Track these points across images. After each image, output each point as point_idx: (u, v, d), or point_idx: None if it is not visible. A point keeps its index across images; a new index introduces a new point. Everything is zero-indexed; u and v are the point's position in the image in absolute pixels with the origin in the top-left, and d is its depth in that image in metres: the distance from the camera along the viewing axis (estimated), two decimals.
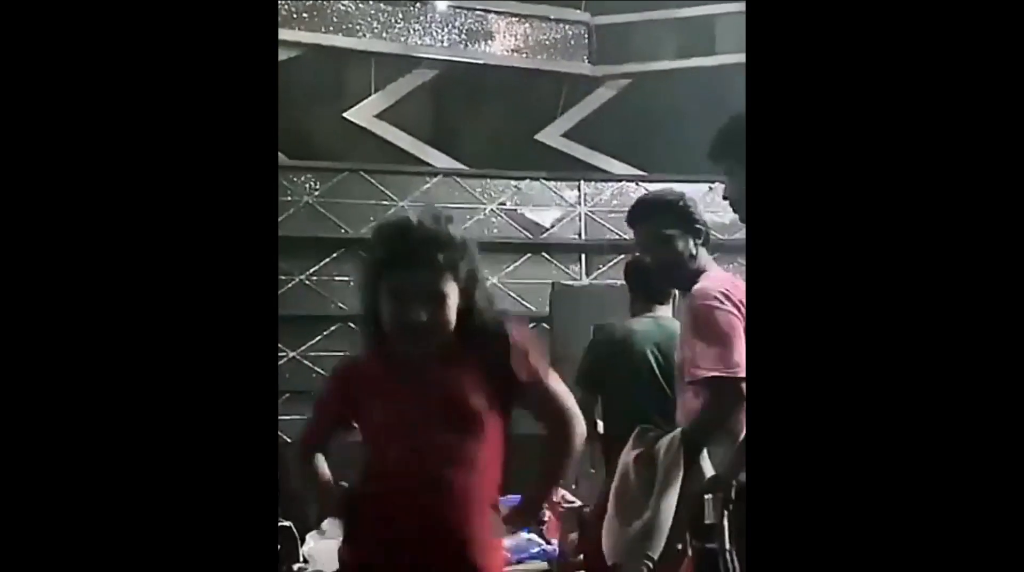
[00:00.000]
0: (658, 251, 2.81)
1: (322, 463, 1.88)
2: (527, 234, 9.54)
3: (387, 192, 9.12)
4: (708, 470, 2.46)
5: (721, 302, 2.53)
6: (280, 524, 4.17)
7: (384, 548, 1.71)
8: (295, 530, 4.63)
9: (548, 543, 6.09)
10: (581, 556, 4.43)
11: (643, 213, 2.88)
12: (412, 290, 1.66)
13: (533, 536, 6.30)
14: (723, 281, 2.63)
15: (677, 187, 2.98)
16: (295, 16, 9.78)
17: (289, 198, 8.77)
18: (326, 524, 5.20)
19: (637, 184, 9.70)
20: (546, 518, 7.02)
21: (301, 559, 4.96)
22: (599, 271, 9.50)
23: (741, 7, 10.68)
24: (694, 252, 2.78)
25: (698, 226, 2.80)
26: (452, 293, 1.68)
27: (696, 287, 2.64)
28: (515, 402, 1.79)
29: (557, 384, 1.80)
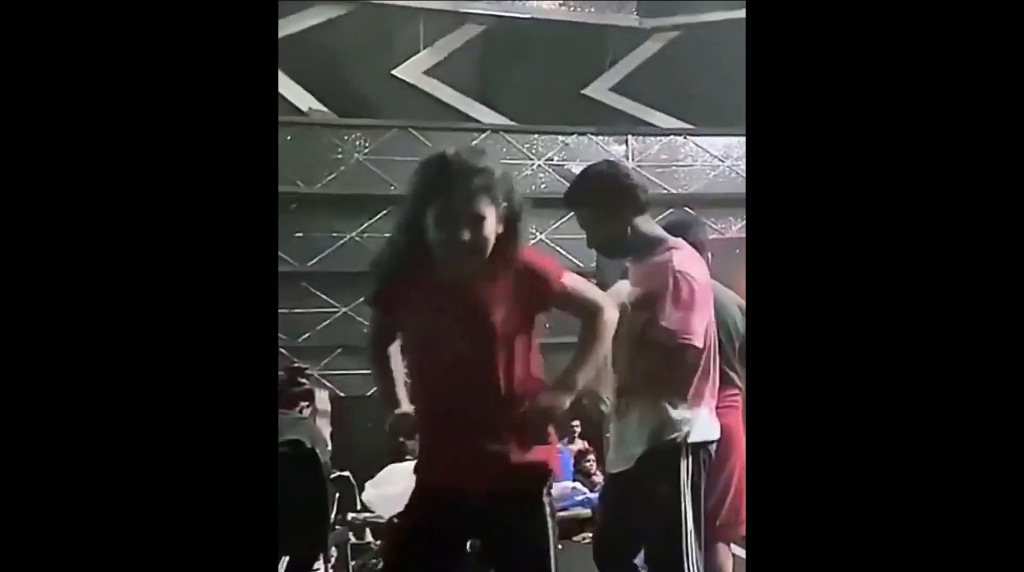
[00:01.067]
0: (600, 231, 2.75)
1: (396, 356, 2.14)
2: None
3: (435, 148, 9.15)
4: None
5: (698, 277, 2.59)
6: (339, 474, 4.30)
7: (438, 425, 1.94)
8: (353, 479, 4.76)
9: (592, 491, 6.20)
10: None
11: (580, 196, 2.79)
12: (455, 213, 1.86)
13: (577, 485, 6.40)
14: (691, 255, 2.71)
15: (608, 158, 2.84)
16: None
17: (339, 156, 8.86)
18: (383, 474, 5.25)
19: (685, 137, 9.62)
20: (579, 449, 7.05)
21: (359, 506, 5.09)
22: None
23: None
24: (636, 226, 2.72)
25: (636, 195, 2.71)
26: (490, 215, 1.88)
27: (677, 256, 2.61)
28: (545, 307, 1.99)
29: (576, 282, 2.01)
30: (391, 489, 4.46)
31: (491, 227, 1.89)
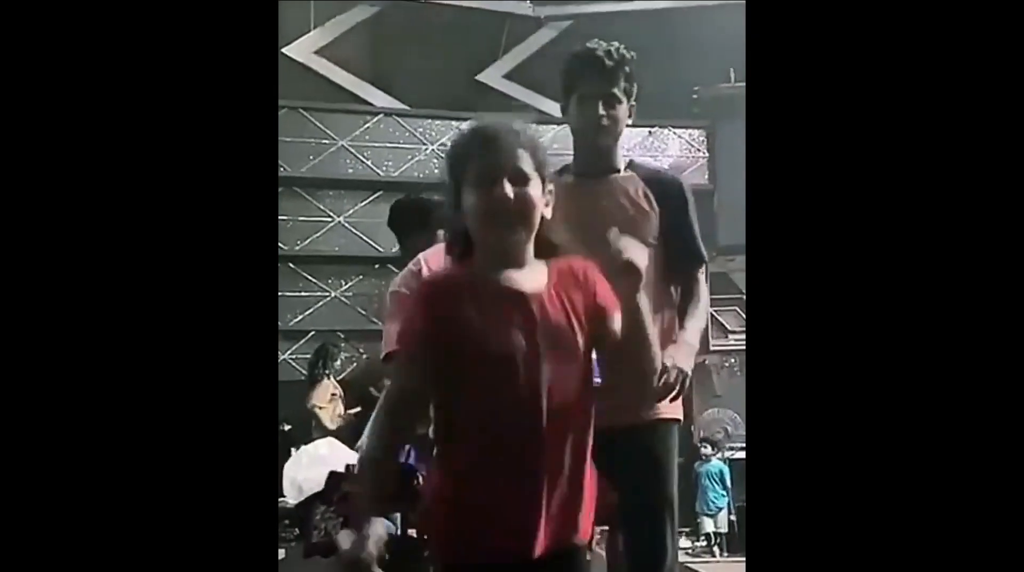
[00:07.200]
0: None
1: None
2: None
3: (326, 130, 8.99)
4: None
5: None
6: None
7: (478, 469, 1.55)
8: None
9: None
10: None
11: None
12: (494, 172, 1.52)
13: None
14: None
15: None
16: None
17: None
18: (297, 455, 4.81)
19: None
20: None
21: None
22: None
23: None
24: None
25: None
26: (535, 180, 1.54)
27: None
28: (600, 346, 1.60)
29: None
30: (304, 474, 4.31)
31: (537, 192, 1.49)
